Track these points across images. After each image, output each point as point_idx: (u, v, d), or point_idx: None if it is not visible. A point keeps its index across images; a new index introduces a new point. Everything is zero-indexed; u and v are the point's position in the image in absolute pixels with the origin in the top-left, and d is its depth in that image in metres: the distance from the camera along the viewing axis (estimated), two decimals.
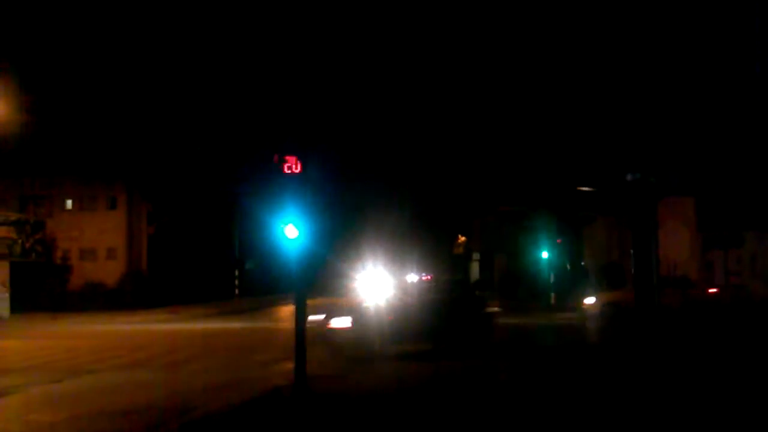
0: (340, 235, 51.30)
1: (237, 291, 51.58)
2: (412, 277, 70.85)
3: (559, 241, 36.39)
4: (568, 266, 38.96)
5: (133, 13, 52.12)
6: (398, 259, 74.03)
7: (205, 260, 51.61)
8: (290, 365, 15.15)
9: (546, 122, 34.71)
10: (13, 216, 44.66)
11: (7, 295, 38.76)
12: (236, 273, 51.57)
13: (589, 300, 27.65)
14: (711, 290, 25.69)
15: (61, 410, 11.87)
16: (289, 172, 12.68)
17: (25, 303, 36.04)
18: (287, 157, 12.64)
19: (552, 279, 36.58)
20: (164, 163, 48.12)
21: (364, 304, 19.04)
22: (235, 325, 31.40)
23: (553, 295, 36.63)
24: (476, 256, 66.50)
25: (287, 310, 37.78)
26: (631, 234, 29.26)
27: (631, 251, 29.91)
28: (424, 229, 75.82)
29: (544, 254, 35.94)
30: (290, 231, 13.03)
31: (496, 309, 20.22)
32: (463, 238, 72.89)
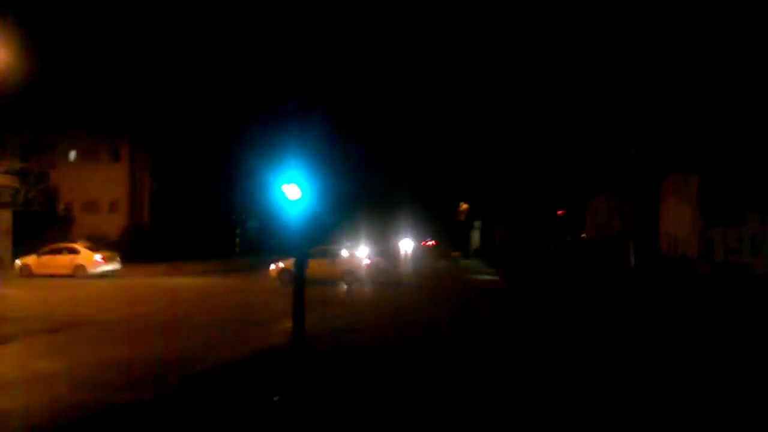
0: (330, 199, 51.20)
1: (238, 249, 51.77)
2: (407, 243, 68.98)
3: (560, 212, 36.28)
4: (568, 237, 38.97)
5: None
6: (391, 224, 73.60)
7: (207, 217, 51.69)
8: (288, 324, 15.44)
9: (552, 93, 34.49)
10: (17, 165, 44.67)
11: (9, 244, 38.96)
12: (237, 231, 51.68)
13: (273, 266, 28.84)
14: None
15: (62, 359, 11.99)
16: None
17: (26, 253, 36.10)
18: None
19: (552, 249, 36.61)
20: (168, 118, 47.98)
21: None
22: (234, 281, 31.55)
23: (552, 266, 36.72)
24: (477, 224, 66.35)
25: None
26: (631, 208, 29.38)
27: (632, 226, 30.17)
28: (424, 195, 75.60)
29: (545, 225, 35.88)
30: (292, 191, 13.05)
31: None
32: (465, 206, 72.62)
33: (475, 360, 12.36)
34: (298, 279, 12.97)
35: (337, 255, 30.02)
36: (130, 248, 45.54)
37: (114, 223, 48.01)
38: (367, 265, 29.93)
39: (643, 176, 26.09)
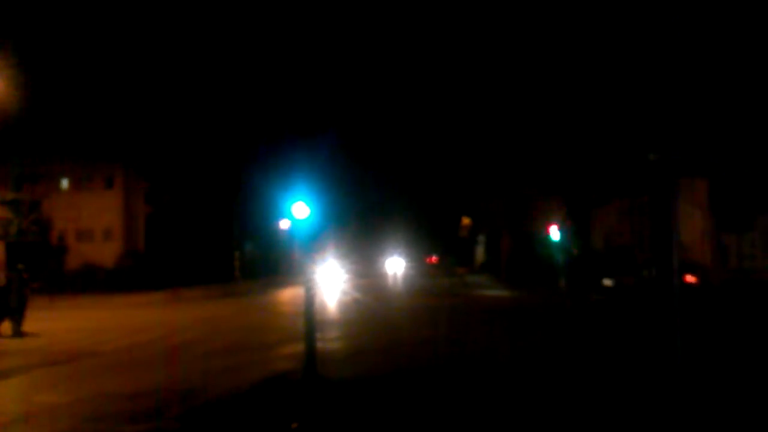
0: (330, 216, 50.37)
1: (237, 273, 51.13)
2: (396, 260, 66.74)
3: (569, 223, 35.60)
4: (575, 250, 38.28)
5: None
6: (388, 241, 72.28)
7: (204, 242, 51.02)
8: (293, 348, 14.83)
9: (558, 102, 34.03)
10: (9, 195, 44.04)
11: (3, 277, 38.22)
12: (236, 255, 51.01)
13: None
14: None
15: (65, 392, 11.61)
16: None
17: None
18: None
19: (562, 262, 35.92)
20: (162, 142, 47.49)
21: None
22: (236, 307, 30.96)
23: (562, 279, 36.07)
24: (481, 238, 65.38)
25: (288, 293, 37.38)
26: (651, 215, 28.92)
27: (650, 233, 29.64)
28: (425, 211, 74.77)
29: (554, 237, 35.15)
30: (299, 210, 12.51)
31: None
32: (467, 220, 71.55)
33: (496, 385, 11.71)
34: (308, 302, 12.35)
35: None
36: (127, 276, 44.86)
37: (109, 251, 47.35)
38: None
39: (661, 181, 25.52)
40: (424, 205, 73.10)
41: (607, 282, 30.52)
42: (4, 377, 13.23)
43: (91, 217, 47.98)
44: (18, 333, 19.36)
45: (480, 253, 66.22)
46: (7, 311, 19.63)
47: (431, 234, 78.29)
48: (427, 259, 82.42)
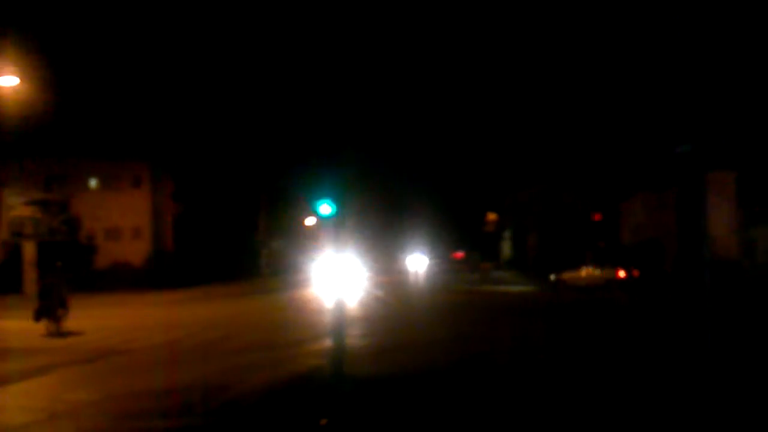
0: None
1: (264, 270, 51.42)
2: (418, 257, 63.45)
3: (597, 217, 35.24)
4: (601, 244, 37.90)
5: None
6: (410, 238, 71.50)
7: (231, 239, 51.35)
8: (318, 345, 14.97)
9: (585, 96, 33.80)
10: (39, 196, 44.53)
11: (34, 275, 38.72)
12: (263, 252, 51.29)
13: None
14: None
15: (95, 390, 11.65)
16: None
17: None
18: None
19: (590, 257, 35.59)
20: (189, 141, 47.80)
21: None
22: (262, 304, 31.13)
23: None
24: (507, 233, 64.85)
25: (313, 290, 37.47)
26: (679, 209, 28.60)
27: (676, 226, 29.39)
28: (450, 206, 74.39)
29: (579, 231, 34.85)
30: (325, 208, 12.55)
31: None
32: (493, 216, 71.01)
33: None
34: (337, 301, 12.34)
35: None
36: (155, 274, 45.24)
37: (137, 250, 47.74)
38: None
39: (690, 174, 25.24)
40: (449, 201, 72.81)
41: (552, 277, 31.89)
42: (36, 375, 13.29)
43: (120, 217, 48.38)
44: (58, 332, 19.49)
45: (506, 248, 65.70)
46: (50, 310, 19.66)
47: (457, 230, 77.97)
48: (453, 255, 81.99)
